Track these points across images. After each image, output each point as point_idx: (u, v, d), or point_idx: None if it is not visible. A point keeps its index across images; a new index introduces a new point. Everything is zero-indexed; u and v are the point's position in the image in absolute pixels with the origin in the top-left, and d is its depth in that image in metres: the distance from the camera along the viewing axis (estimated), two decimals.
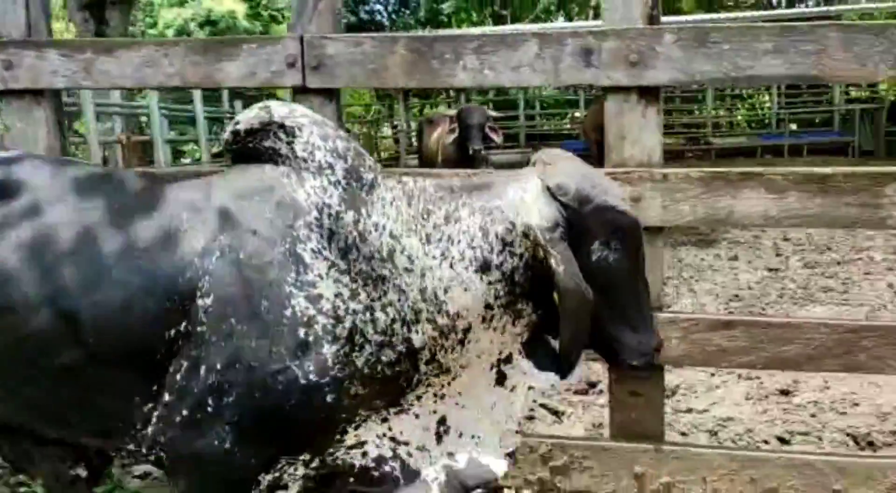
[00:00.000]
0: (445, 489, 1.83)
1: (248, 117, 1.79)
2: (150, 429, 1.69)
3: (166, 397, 1.66)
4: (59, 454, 1.85)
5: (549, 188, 1.72)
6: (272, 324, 1.62)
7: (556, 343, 1.77)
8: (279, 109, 1.78)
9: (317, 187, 1.71)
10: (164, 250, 1.68)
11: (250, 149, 1.80)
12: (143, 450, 1.73)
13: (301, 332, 1.62)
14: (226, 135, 1.85)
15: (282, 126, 1.76)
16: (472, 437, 1.87)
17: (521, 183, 1.77)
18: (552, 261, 1.62)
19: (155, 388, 1.67)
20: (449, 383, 1.83)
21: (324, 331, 1.63)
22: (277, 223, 1.68)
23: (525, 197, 1.73)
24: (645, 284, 1.82)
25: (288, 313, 1.63)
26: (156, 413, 1.68)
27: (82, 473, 1.89)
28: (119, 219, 1.71)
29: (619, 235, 1.72)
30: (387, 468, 1.81)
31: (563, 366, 1.78)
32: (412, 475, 1.82)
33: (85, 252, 1.67)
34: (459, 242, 1.71)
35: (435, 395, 1.84)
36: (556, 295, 1.65)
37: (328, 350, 1.63)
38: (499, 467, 1.87)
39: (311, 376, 1.61)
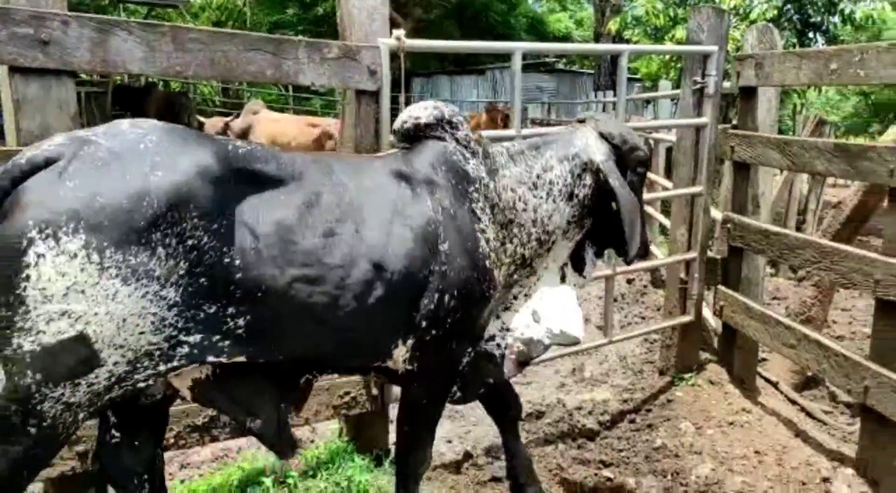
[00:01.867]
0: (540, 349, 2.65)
1: (426, 113, 2.45)
2: (403, 348, 2.29)
3: (423, 323, 2.26)
4: (276, 401, 2.20)
5: (602, 134, 2.60)
6: (475, 258, 2.34)
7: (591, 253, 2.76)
8: (446, 109, 2.48)
9: (474, 164, 2.44)
10: (415, 210, 2.27)
11: (423, 137, 2.46)
12: (395, 366, 2.32)
13: (486, 262, 2.38)
14: (406, 125, 2.47)
15: (449, 122, 2.46)
16: (552, 319, 2.64)
17: (584, 133, 2.62)
18: (612, 181, 2.48)
19: (409, 316, 2.25)
20: (534, 284, 2.65)
21: (492, 261, 2.40)
22: (459, 185, 2.38)
23: (589, 142, 2.58)
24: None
25: (480, 251, 2.36)
26: (411, 335, 2.28)
27: (290, 412, 2.27)
28: (377, 190, 2.26)
29: (642, 167, 2.63)
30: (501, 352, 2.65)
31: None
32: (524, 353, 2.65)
33: (377, 218, 2.20)
34: (556, 183, 2.53)
35: (526, 295, 2.65)
36: (614, 205, 2.50)
37: (495, 273, 2.42)
38: (578, 332, 2.66)
39: (489, 291, 2.40)
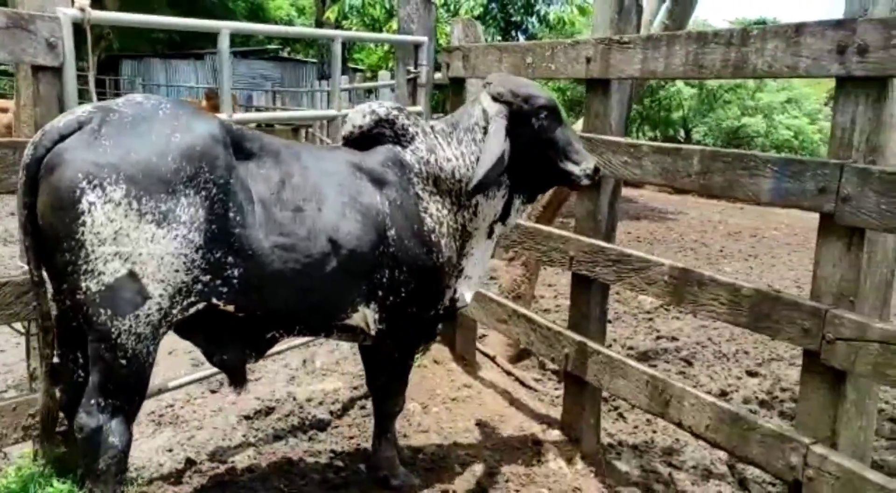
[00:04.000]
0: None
1: (365, 120, 2.83)
2: (369, 311, 2.75)
3: (379, 293, 2.72)
4: (242, 347, 2.63)
5: (492, 96, 2.81)
6: (421, 236, 2.76)
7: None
8: (380, 109, 2.85)
9: (413, 149, 2.81)
10: (367, 201, 2.66)
11: (368, 137, 2.83)
12: (364, 326, 2.77)
13: (433, 237, 2.79)
14: (353, 135, 2.86)
15: (386, 119, 2.82)
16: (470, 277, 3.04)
17: (479, 101, 2.86)
18: (490, 130, 2.76)
19: (365, 287, 2.69)
20: (468, 244, 2.96)
21: (438, 234, 2.80)
22: (402, 177, 2.77)
23: (484, 106, 2.82)
24: (574, 134, 2.94)
25: (425, 228, 2.77)
26: (372, 301, 2.73)
27: (252, 358, 2.70)
28: (336, 176, 2.66)
29: (545, 111, 2.80)
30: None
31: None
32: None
33: (335, 201, 2.59)
34: (466, 154, 2.82)
35: (463, 255, 2.97)
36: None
37: (444, 242, 2.83)
38: (469, 297, 3.06)
39: (438, 260, 2.82)
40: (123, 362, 2.21)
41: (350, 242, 2.58)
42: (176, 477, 3.26)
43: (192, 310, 2.35)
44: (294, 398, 4.25)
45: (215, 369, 2.86)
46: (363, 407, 4.14)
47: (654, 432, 4.39)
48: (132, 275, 2.13)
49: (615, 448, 4.12)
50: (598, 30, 3.46)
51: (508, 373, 4.95)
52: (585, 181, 2.86)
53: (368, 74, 19.85)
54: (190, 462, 3.40)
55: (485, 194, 2.84)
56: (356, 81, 15.90)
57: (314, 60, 24.79)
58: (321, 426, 3.92)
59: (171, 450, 3.59)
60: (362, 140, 2.86)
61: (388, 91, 10.63)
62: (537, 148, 2.83)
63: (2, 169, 2.48)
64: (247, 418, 3.97)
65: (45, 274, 2.26)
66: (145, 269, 2.14)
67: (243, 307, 2.44)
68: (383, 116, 2.83)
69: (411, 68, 4.16)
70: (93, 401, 2.25)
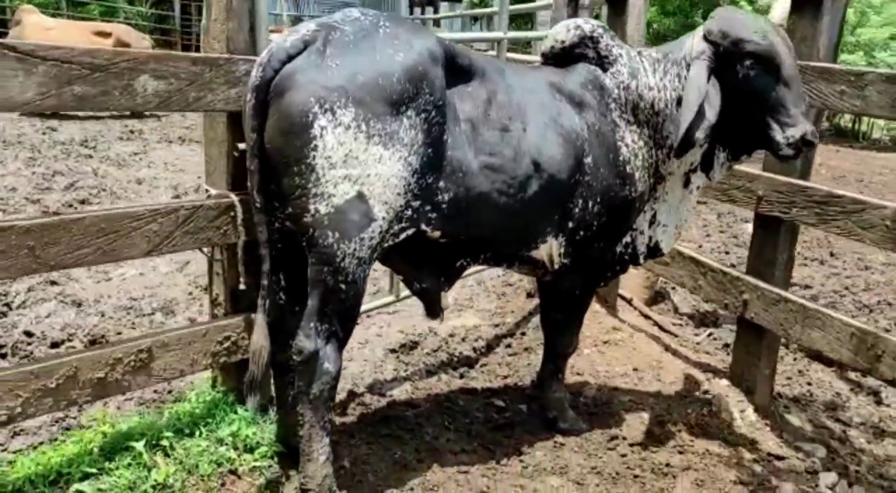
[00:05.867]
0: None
1: (569, 35, 2.70)
2: (556, 243, 2.68)
3: (569, 224, 2.64)
4: (439, 274, 2.62)
5: (704, 32, 2.55)
6: (616, 166, 2.63)
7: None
8: (586, 26, 2.70)
9: (614, 72, 2.67)
10: (567, 123, 2.55)
11: (570, 54, 2.71)
12: (547, 260, 2.70)
13: (627, 168, 2.65)
14: (554, 49, 2.74)
15: (591, 37, 2.68)
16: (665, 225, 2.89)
17: (693, 35, 2.63)
18: (691, 73, 2.50)
19: (558, 217, 2.61)
20: (661, 188, 2.80)
21: (633, 166, 2.66)
22: (601, 101, 2.64)
23: (693, 42, 2.58)
24: (795, 93, 2.47)
25: (620, 158, 2.63)
26: (561, 234, 2.66)
27: (445, 286, 2.69)
28: (539, 95, 2.57)
29: (753, 58, 2.45)
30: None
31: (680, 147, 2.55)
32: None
33: (538, 121, 2.50)
34: (668, 87, 2.63)
35: (655, 198, 2.83)
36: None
37: (638, 175, 2.67)
38: (667, 247, 2.93)
39: (631, 194, 2.68)
40: (343, 285, 2.20)
41: (552, 166, 2.49)
42: (342, 408, 3.19)
43: (402, 236, 2.32)
44: (436, 334, 4.15)
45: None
46: (508, 345, 4.02)
47: (810, 384, 4.14)
48: (361, 196, 2.11)
49: (776, 401, 3.91)
50: None
51: (646, 316, 4.75)
52: (787, 151, 2.48)
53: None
54: (352, 394, 3.34)
55: None
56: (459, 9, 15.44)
57: None
58: (470, 362, 3.81)
59: None
60: (563, 57, 2.74)
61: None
62: (741, 100, 2.52)
63: (199, 86, 2.33)
64: (392, 351, 3.89)
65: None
66: (373, 190, 2.12)
67: (449, 233, 2.41)
68: (588, 33, 2.70)
69: None
70: (312, 324, 2.23)
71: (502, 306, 4.57)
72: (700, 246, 6.66)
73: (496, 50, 3.95)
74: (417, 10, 13.66)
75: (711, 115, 2.45)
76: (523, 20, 17.20)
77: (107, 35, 10.33)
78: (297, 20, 16.91)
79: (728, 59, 2.48)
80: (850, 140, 19.17)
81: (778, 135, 2.47)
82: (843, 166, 13.38)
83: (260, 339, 2.32)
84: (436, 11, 14.26)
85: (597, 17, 4.07)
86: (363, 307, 3.25)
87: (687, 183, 2.79)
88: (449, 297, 4.87)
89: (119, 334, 3.87)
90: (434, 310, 2.74)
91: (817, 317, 3.01)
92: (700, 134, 2.44)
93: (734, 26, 2.49)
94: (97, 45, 9.88)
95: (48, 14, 13.12)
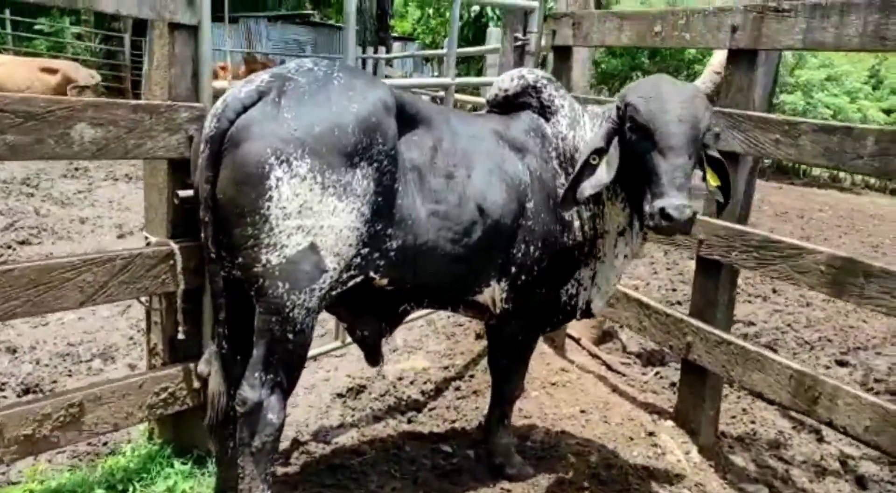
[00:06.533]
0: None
1: (513, 84, 2.75)
2: (498, 288, 2.68)
3: (512, 269, 2.64)
4: (380, 320, 2.60)
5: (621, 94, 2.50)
6: (556, 212, 2.63)
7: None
8: (530, 76, 2.75)
9: (554, 122, 2.70)
10: (510, 169, 2.58)
11: (513, 103, 2.76)
12: (491, 304, 2.72)
13: (566, 215, 2.64)
14: (498, 98, 2.79)
15: (534, 87, 2.72)
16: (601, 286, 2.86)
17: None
18: (595, 129, 2.60)
19: (500, 261, 2.62)
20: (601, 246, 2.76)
21: (572, 214, 2.64)
22: (543, 148, 2.67)
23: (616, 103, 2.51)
24: (677, 163, 2.28)
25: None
26: (504, 278, 2.66)
27: (388, 332, 2.68)
28: (483, 142, 2.58)
29: (633, 123, 2.38)
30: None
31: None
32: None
33: (482, 167, 2.52)
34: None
35: (598, 258, 2.79)
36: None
37: (577, 224, 2.67)
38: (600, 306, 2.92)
39: (570, 241, 2.68)
40: (291, 335, 2.19)
41: (495, 211, 2.51)
42: (285, 457, 3.12)
43: (350, 283, 2.31)
44: (384, 377, 4.11)
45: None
46: (457, 388, 4.00)
47: (754, 423, 4.20)
48: (313, 247, 2.11)
49: (720, 441, 3.95)
50: None
51: (595, 356, 4.78)
52: (648, 221, 2.30)
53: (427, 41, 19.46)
54: (296, 442, 3.27)
55: (607, 197, 2.62)
56: (395, 51, 15.60)
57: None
58: (418, 407, 3.78)
59: None
60: (507, 105, 2.78)
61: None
62: (631, 165, 2.42)
63: (139, 134, 2.30)
64: (339, 396, 3.84)
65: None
66: (325, 242, 2.13)
67: (396, 280, 2.41)
68: (531, 83, 2.74)
69: (519, 35, 3.93)
70: (256, 374, 2.22)
71: (451, 347, 4.55)
72: (647, 283, 6.76)
73: (445, 95, 3.99)
74: (370, 50, 13.73)
75: (607, 175, 2.41)
76: (475, 61, 17.46)
77: (53, 72, 10.16)
78: (249, 56, 16.90)
79: (622, 122, 2.44)
80: (792, 177, 19.83)
81: (647, 205, 2.32)
82: (786, 203, 13.81)
83: (218, 384, 2.32)
84: (388, 51, 14.40)
85: (543, 62, 4.13)
86: (310, 352, 3.21)
87: (620, 244, 2.75)
88: (398, 338, 4.84)
89: (54, 382, 3.74)
90: (374, 358, 2.72)
91: (758, 359, 3.06)
92: (588, 191, 2.42)
93: (631, 90, 2.46)
94: (43, 82, 9.70)
95: None
